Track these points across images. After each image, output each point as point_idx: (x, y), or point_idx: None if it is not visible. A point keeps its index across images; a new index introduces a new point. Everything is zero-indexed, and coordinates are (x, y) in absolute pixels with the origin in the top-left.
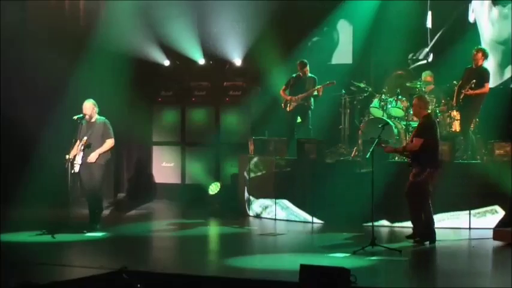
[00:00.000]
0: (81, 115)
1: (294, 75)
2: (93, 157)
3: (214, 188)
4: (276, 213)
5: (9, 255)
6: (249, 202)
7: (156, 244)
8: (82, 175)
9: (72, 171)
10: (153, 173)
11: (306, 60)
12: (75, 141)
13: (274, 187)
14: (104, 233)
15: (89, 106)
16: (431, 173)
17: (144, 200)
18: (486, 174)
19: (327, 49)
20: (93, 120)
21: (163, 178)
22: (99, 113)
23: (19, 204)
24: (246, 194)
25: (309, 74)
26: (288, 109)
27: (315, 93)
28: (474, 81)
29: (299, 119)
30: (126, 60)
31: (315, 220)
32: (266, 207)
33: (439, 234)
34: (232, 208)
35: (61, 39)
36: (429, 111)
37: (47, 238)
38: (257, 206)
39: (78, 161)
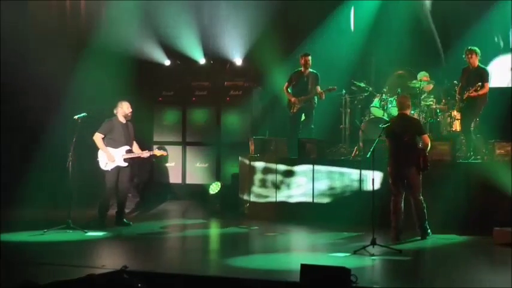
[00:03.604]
0: (83, 114)
1: (295, 70)
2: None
3: (214, 188)
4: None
5: (9, 255)
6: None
7: (157, 244)
8: (122, 176)
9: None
10: (154, 172)
11: (308, 52)
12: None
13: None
14: (104, 233)
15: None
16: (388, 173)
17: (154, 201)
18: (486, 174)
19: (327, 48)
20: (126, 120)
21: (164, 178)
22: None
23: (19, 204)
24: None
25: (311, 70)
26: (292, 111)
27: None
28: (480, 84)
29: (303, 117)
30: (127, 60)
31: (316, 219)
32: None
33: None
34: (232, 208)
35: (62, 39)
36: (403, 111)
37: (47, 238)
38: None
39: (121, 161)
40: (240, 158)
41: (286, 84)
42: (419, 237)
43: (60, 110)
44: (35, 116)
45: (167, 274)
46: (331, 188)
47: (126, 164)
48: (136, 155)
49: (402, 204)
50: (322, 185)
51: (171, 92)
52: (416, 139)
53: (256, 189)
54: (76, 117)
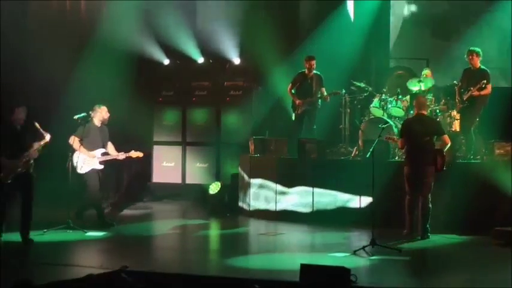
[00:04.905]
0: (82, 115)
1: (299, 72)
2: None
3: (214, 188)
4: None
5: (9, 255)
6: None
7: (156, 244)
8: (101, 178)
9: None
10: (154, 172)
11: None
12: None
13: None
14: (104, 233)
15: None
16: (405, 172)
17: (135, 199)
18: (486, 174)
19: (327, 48)
20: (102, 124)
21: (164, 178)
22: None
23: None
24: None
25: (315, 71)
26: (297, 112)
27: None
28: (484, 81)
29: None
30: (127, 60)
31: (315, 219)
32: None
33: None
34: (232, 208)
35: (62, 39)
36: (421, 112)
37: (47, 238)
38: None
39: (97, 164)
40: (240, 158)
41: (290, 85)
42: (419, 238)
43: (60, 110)
44: (35, 116)
45: (167, 274)
46: (331, 188)
47: (102, 167)
48: (112, 157)
49: (416, 202)
50: (322, 185)
51: (171, 92)
52: (434, 139)
53: (254, 202)
54: (76, 117)
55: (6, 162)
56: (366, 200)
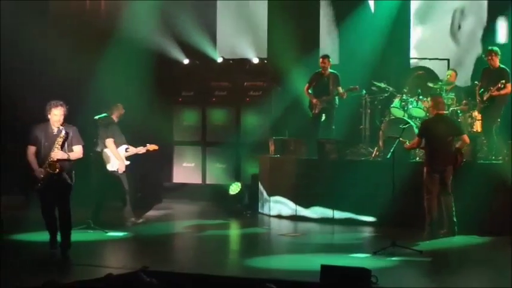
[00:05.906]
0: (103, 115)
1: (316, 72)
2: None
3: (234, 188)
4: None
5: (31, 255)
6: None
7: (177, 244)
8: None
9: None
10: (174, 173)
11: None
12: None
13: (294, 187)
14: (125, 233)
15: None
16: (427, 172)
17: (155, 199)
18: (507, 174)
19: (347, 48)
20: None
21: (184, 178)
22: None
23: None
24: (265, 194)
25: (330, 70)
26: (314, 112)
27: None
28: (503, 81)
29: (323, 117)
30: (146, 60)
31: (335, 220)
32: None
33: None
34: (252, 208)
35: (82, 39)
36: (441, 112)
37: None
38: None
39: (125, 160)
40: (259, 158)
41: (307, 85)
42: (441, 235)
43: (81, 111)
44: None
45: (186, 274)
46: (351, 189)
47: (129, 162)
48: (134, 152)
49: (436, 202)
50: (342, 185)
51: (191, 92)
52: (455, 139)
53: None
54: (97, 117)
55: (43, 172)
56: (386, 201)
